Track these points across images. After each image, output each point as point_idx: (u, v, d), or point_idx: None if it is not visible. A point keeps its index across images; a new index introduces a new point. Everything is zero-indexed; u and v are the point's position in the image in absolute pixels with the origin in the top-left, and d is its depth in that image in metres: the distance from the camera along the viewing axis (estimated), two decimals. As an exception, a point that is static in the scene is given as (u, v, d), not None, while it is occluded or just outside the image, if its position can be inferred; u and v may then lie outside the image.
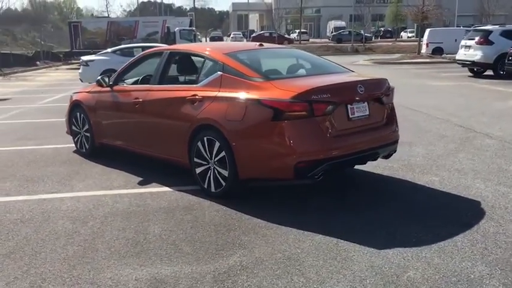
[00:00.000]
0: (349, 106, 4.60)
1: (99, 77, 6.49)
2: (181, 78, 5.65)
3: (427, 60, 29.21)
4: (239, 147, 4.58)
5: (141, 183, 5.54)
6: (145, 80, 6.12)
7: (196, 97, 4.97)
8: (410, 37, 59.34)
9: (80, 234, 4.13)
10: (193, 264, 3.52)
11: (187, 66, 5.65)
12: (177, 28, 33.42)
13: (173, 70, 5.85)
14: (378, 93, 4.90)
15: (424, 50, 31.96)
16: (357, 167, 5.61)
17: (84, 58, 17.33)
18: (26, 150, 7.44)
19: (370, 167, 5.74)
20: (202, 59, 5.29)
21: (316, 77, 5.03)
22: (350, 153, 4.59)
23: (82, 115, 6.81)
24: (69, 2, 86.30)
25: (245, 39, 61.57)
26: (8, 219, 4.53)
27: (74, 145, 7.15)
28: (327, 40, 57.68)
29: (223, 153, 4.70)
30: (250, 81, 4.66)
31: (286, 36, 57.75)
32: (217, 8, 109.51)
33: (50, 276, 3.39)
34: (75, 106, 6.98)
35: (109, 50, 17.99)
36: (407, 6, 38.24)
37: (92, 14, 75.72)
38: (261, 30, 63.82)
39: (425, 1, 33.47)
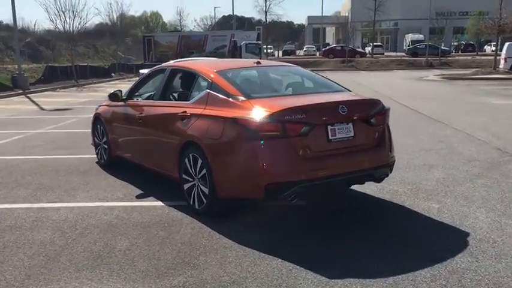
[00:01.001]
0: (329, 127, 4.45)
1: (111, 92, 6.73)
2: (177, 95, 5.76)
3: (502, 76, 27.58)
4: (216, 165, 4.58)
5: (139, 197, 5.67)
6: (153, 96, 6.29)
7: (186, 114, 5.03)
8: (494, 51, 56.06)
9: (54, 244, 4.29)
10: (138, 282, 3.54)
11: (183, 83, 5.76)
12: (243, 42, 33.97)
13: (175, 86, 5.97)
14: (365, 114, 4.70)
15: (502, 65, 30.17)
16: (358, 188, 5.41)
17: (142, 71, 18.06)
18: (56, 159, 7.86)
19: (372, 189, 5.58)
20: (196, 77, 5.35)
21: (300, 97, 4.92)
22: (328, 176, 4.43)
23: (101, 127, 7.10)
24: (155, 16, 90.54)
25: (317, 53, 61.49)
26: (-1, 225, 4.81)
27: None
28: (403, 54, 55.99)
29: (204, 171, 4.72)
30: (232, 99, 4.65)
31: (358, 49, 56.86)
32: (296, 21, 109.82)
33: (2, 284, 3.54)
34: (96, 119, 7.30)
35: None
36: (485, 19, 36.32)
37: (175, 28, 78.72)
38: (337, 44, 63.27)
39: (504, 13, 31.56)
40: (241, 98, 4.63)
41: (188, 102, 5.18)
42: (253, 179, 4.29)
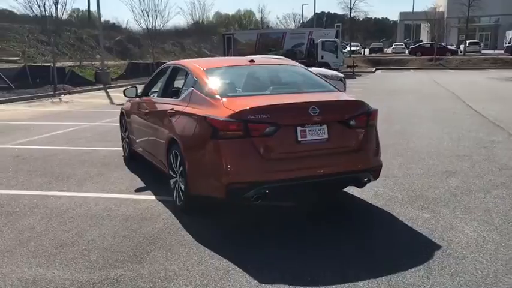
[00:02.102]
0: (299, 128, 4.32)
1: (124, 89, 7.00)
2: (172, 92, 5.84)
3: None
4: (189, 162, 4.64)
5: (138, 190, 5.86)
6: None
7: (172, 111, 5.13)
8: None
9: (33, 230, 4.57)
10: (81, 272, 3.68)
11: (178, 80, 5.85)
12: (320, 39, 33.55)
13: (173, 84, 6.08)
14: (343, 116, 4.50)
15: None
16: (355, 191, 5.23)
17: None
18: (90, 151, 8.33)
19: (369, 194, 5.41)
20: (187, 74, 5.42)
21: (275, 96, 4.81)
22: (294, 178, 4.31)
23: (124, 122, 7.43)
24: (248, 15, 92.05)
25: (407, 51, 59.15)
26: (-2, 210, 5.21)
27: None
28: (501, 52, 52.13)
29: (182, 167, 4.80)
30: (209, 98, 4.67)
31: (450, 47, 53.81)
32: (392, 18, 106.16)
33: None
34: (121, 114, 7.63)
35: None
36: None
37: (268, 26, 79.32)
38: (431, 41, 60.30)
39: None
40: (217, 96, 4.63)
41: (177, 99, 5.27)
42: (216, 177, 4.29)
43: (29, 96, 18.67)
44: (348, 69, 34.55)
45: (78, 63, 28.03)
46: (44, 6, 23.54)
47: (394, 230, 4.47)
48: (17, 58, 27.14)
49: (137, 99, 6.78)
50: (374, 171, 4.70)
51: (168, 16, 42.41)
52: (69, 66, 26.39)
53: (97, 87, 23.10)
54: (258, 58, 6.26)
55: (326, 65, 32.73)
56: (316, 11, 68.08)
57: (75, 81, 22.69)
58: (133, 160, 7.21)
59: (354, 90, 19.52)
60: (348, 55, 47.25)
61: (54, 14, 21.89)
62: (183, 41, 54.02)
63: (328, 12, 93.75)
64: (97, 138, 9.58)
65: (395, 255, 3.89)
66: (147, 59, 37.08)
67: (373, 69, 40.24)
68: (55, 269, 3.74)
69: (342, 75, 17.45)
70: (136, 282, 3.49)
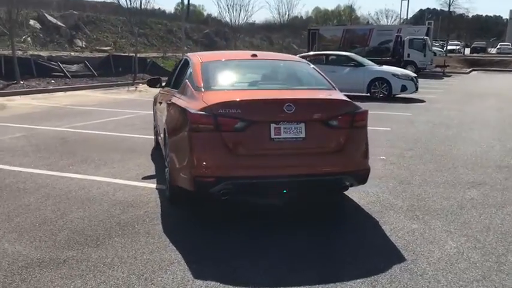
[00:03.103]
0: (273, 125, 4.20)
1: (148, 79, 7.18)
2: (179, 84, 5.89)
3: None
4: (170, 153, 4.71)
5: (145, 178, 6.04)
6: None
7: (170, 102, 5.22)
8: None
9: (26, 207, 4.86)
10: (39, 250, 3.85)
11: (183, 72, 5.90)
12: (407, 37, 32.15)
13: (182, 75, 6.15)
14: (323, 115, 4.31)
15: None
16: (354, 196, 5.06)
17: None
18: (128, 137, 8.71)
19: (367, 199, 5.18)
20: (189, 66, 5.46)
21: (256, 91, 4.71)
22: (264, 176, 4.21)
23: (154, 112, 7.68)
24: (348, 10, 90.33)
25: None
26: (10, 185, 5.61)
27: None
28: None
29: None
30: (194, 90, 4.70)
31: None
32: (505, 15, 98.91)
33: None
34: (153, 103, 7.88)
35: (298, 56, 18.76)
36: None
37: (368, 22, 77.32)
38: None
39: None
40: (201, 89, 4.64)
41: (176, 90, 5.35)
42: (186, 169, 4.31)
43: (109, 84, 19.83)
44: (438, 69, 32.79)
45: (162, 55, 29.24)
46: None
47: (366, 238, 4.22)
48: (109, 48, 28.91)
49: (160, 89, 6.95)
50: (358, 176, 4.45)
51: (251, 10, 42.68)
52: (154, 57, 27.64)
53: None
54: (263, 53, 6.15)
55: (412, 64, 31.40)
56: (415, 7, 65.12)
57: (155, 72, 23.63)
58: (158, 149, 7.41)
59: (432, 91, 18.65)
60: (444, 54, 44.71)
61: (138, 6, 23.16)
62: (271, 36, 54.33)
63: (434, 9, 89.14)
64: (142, 127, 9.96)
65: (350, 263, 3.68)
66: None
67: (468, 70, 37.82)
68: (20, 245, 3.96)
69: (413, 74, 16.64)
70: (79, 265, 3.60)
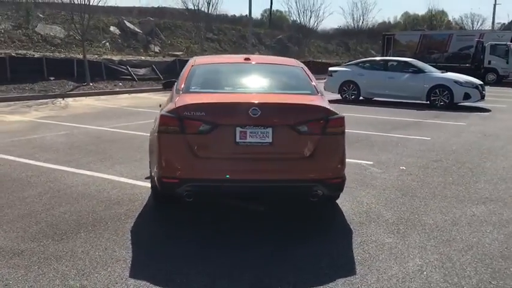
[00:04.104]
0: (238, 129, 4.16)
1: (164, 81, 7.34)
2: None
3: None
4: (149, 153, 4.81)
5: (148, 178, 6.18)
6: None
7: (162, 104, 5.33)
8: None
9: (21, 200, 5.14)
10: (3, 240, 4.09)
11: None
12: (489, 43, 30.29)
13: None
14: (292, 120, 4.19)
15: None
16: (344, 205, 4.91)
17: (331, 68, 18.21)
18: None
19: (360, 209, 5.00)
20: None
21: (229, 95, 4.64)
22: (228, 180, 4.17)
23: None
24: (440, 15, 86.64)
25: None
26: (22, 178, 5.99)
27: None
28: None
29: (154, 159, 4.98)
30: (175, 93, 4.78)
31: None
32: None
33: None
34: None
35: (354, 62, 18.36)
36: None
37: (461, 28, 73.72)
38: None
39: None
40: (180, 91, 4.70)
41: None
42: (156, 169, 4.38)
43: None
44: (522, 78, 30.62)
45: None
46: (198, 5, 25.37)
47: (328, 250, 4.01)
48: (181, 53, 29.93)
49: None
50: (329, 184, 4.27)
51: (322, 15, 42.20)
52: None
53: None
54: (256, 57, 6.07)
55: (493, 71, 29.58)
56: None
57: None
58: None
59: (506, 101, 17.60)
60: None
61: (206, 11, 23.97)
62: (348, 41, 53.50)
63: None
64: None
65: (295, 272, 3.54)
66: (305, 58, 37.64)
67: None
68: (-5, 235, 4.22)
69: (479, 82, 15.65)
70: (32, 256, 3.77)
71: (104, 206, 4.99)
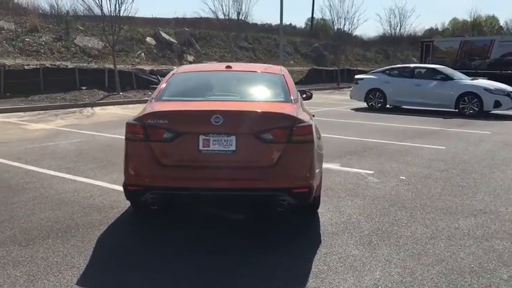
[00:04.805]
0: (202, 137, 4.14)
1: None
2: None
3: None
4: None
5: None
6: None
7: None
8: None
9: (8, 203, 5.30)
10: (-22, 243, 4.23)
11: None
12: (532, 49, 29.03)
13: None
14: (255, 128, 4.13)
15: None
16: (332, 219, 4.80)
17: (357, 76, 17.91)
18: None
19: (340, 218, 4.88)
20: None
21: (198, 103, 4.61)
22: (191, 188, 4.15)
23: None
24: (490, 21, 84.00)
25: None
26: (17, 183, 6.17)
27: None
28: None
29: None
30: (149, 101, 4.82)
31: None
32: None
33: None
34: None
35: (380, 69, 18.01)
36: None
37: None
38: None
39: None
40: (152, 100, 4.73)
41: None
42: (124, 177, 4.41)
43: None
44: None
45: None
46: (229, 14, 25.61)
47: (287, 260, 3.90)
48: (215, 62, 30.26)
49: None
50: (295, 194, 4.16)
51: (357, 22, 41.46)
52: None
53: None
54: (238, 65, 6.03)
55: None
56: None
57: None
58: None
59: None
60: None
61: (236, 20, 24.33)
62: (387, 48, 52.53)
63: None
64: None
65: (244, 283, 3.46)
66: (341, 66, 37.24)
67: None
68: (-33, 237, 4.35)
69: (511, 89, 15.02)
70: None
71: (83, 213, 5.06)
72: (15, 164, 7.43)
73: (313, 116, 5.82)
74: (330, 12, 32.48)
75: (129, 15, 19.58)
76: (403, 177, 6.70)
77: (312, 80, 29.35)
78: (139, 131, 4.19)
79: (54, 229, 4.58)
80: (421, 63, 36.88)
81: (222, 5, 26.12)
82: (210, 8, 29.30)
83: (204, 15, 32.02)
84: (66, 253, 4.02)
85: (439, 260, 3.93)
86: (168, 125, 4.12)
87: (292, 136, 4.13)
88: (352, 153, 8.43)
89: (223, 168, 4.14)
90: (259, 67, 6.04)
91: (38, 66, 18.74)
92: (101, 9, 18.81)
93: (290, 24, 55.66)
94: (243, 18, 26.20)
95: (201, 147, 4.11)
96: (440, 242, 4.33)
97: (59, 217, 4.92)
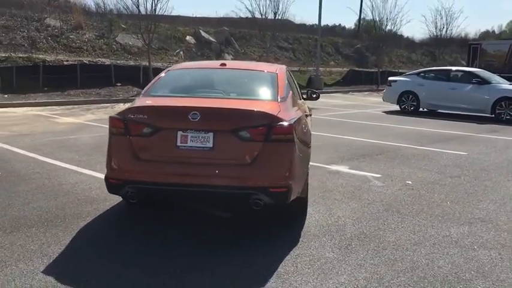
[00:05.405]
0: (180, 133, 4.16)
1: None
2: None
3: None
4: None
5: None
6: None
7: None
8: None
9: (7, 192, 5.49)
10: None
11: None
12: None
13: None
14: (232, 125, 4.11)
15: None
16: (313, 215, 4.78)
17: (390, 78, 17.51)
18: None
19: (323, 221, 4.80)
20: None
21: (181, 99, 4.61)
22: (168, 183, 4.16)
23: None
24: None
25: None
26: (26, 173, 6.39)
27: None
28: None
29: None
30: (137, 96, 4.90)
31: None
32: None
33: None
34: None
35: (415, 71, 17.53)
36: None
37: None
38: None
39: None
40: (140, 95, 4.81)
41: None
42: (106, 170, 4.49)
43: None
44: None
45: (298, 68, 29.73)
46: (266, 14, 25.61)
47: (254, 259, 3.86)
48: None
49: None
50: (271, 193, 4.10)
51: (400, 23, 40.25)
52: (292, 71, 28.21)
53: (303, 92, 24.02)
54: (232, 62, 5.99)
55: None
56: None
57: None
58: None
59: None
60: None
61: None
62: (435, 51, 51.11)
63: None
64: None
65: (201, 280, 3.45)
66: (386, 68, 36.52)
67: None
68: (-42, 222, 4.54)
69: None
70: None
71: (75, 204, 5.18)
72: (31, 154, 7.69)
73: (310, 115, 5.75)
74: (372, 13, 31.81)
75: (165, 13, 19.88)
76: (409, 182, 6.50)
77: (350, 82, 28.90)
78: (120, 125, 4.25)
79: (42, 218, 4.70)
80: (468, 66, 35.69)
81: (259, 5, 26.15)
82: (247, 8, 29.35)
83: (242, 15, 32.07)
84: (44, 242, 4.12)
85: (414, 267, 3.78)
86: (147, 120, 4.16)
87: (270, 135, 4.07)
88: (366, 156, 8.24)
89: (200, 164, 4.14)
90: (254, 65, 6.00)
91: (75, 62, 19.33)
92: (138, 8, 19.22)
93: (339, 24, 54.89)
94: (279, 18, 26.05)
95: (178, 143, 4.13)
96: (423, 249, 4.17)
97: (51, 207, 5.05)
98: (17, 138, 9.19)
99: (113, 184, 4.31)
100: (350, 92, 26.35)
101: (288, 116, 4.29)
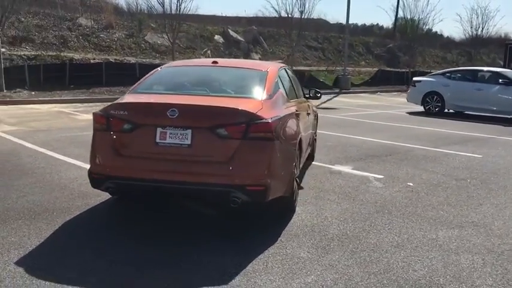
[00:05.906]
0: (159, 129, 4.19)
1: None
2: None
3: None
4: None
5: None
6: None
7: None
8: None
9: (6, 185, 5.65)
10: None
11: None
12: None
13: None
14: (209, 122, 4.10)
15: None
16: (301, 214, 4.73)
17: (415, 78, 17.14)
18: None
19: (308, 221, 4.74)
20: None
21: (164, 96, 4.63)
22: (146, 179, 4.20)
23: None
24: None
25: None
26: (30, 167, 6.56)
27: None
28: None
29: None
30: (126, 93, 4.97)
31: None
32: None
33: None
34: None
35: (440, 71, 17.10)
36: None
37: None
38: None
39: None
40: (129, 92, 4.86)
41: None
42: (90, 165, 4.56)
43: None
44: None
45: (325, 68, 29.49)
46: (292, 12, 25.53)
47: (225, 258, 3.84)
48: (280, 61, 30.24)
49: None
50: (248, 191, 4.08)
51: (432, 22, 39.26)
52: (321, 70, 28.10)
53: (330, 92, 23.77)
54: (224, 60, 5.94)
55: None
56: None
57: (312, 85, 23.94)
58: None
59: None
60: None
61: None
62: (471, 50, 49.81)
63: None
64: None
65: (166, 277, 3.46)
66: (419, 68, 35.79)
67: None
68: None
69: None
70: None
71: (68, 198, 5.28)
72: (41, 149, 7.89)
73: (315, 113, 5.70)
74: (403, 12, 31.21)
75: (189, 12, 20.08)
76: (411, 184, 6.35)
77: (379, 82, 28.43)
78: (103, 121, 4.31)
79: (32, 211, 4.81)
80: (504, 66, 34.59)
81: (285, 4, 26.05)
82: (273, 7, 29.25)
83: (267, 14, 32.03)
84: (26, 234, 4.21)
85: (388, 269, 3.69)
86: (128, 117, 4.21)
87: (248, 133, 4.05)
88: (374, 156, 8.10)
89: (178, 161, 4.15)
90: (246, 63, 5.98)
91: (101, 61, 19.73)
92: (163, 7, 19.49)
93: (377, 24, 53.96)
94: (306, 17, 25.90)
95: (158, 140, 4.15)
96: (403, 251, 4.06)
97: (43, 201, 5.15)
98: (33, 134, 9.44)
99: (95, 179, 4.37)
100: (378, 92, 25.91)
101: (270, 114, 4.25)
